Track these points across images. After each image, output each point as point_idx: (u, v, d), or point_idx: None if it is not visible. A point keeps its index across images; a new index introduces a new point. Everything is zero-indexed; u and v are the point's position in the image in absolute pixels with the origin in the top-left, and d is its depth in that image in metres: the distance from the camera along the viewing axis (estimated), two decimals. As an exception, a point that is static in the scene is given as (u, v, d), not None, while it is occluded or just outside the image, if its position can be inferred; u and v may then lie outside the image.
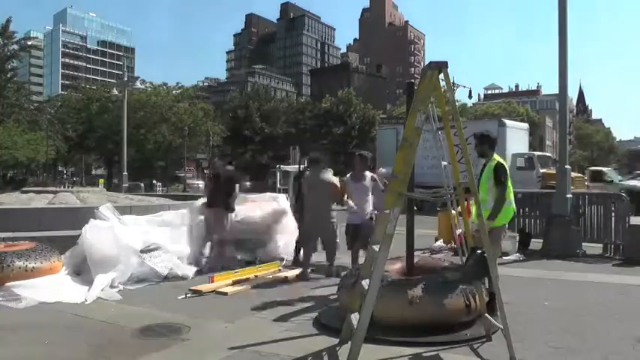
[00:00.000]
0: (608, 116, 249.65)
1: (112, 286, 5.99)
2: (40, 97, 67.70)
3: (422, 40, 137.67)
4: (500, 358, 3.79)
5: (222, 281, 6.41)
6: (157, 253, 6.66)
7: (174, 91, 48.73)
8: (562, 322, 4.76)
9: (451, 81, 4.33)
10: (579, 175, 21.51)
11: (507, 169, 4.98)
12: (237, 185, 8.06)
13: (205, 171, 45.77)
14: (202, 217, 7.69)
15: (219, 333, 4.55)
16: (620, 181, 21.60)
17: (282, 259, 7.86)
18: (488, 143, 5.06)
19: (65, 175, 56.47)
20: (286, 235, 8.11)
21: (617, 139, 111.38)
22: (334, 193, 6.92)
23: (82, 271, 6.37)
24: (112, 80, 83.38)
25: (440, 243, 9.56)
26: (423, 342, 4.11)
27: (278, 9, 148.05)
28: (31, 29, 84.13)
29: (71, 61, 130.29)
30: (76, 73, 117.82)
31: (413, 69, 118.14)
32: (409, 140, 3.88)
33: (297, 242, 7.93)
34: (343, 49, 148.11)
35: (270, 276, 6.92)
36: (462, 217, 4.89)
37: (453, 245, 8.55)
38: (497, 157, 4.98)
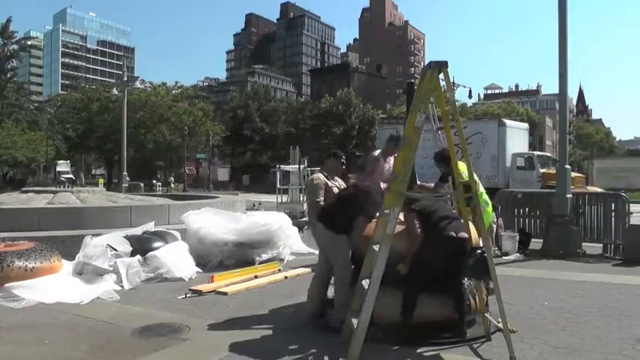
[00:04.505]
0: (608, 116, 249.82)
1: (111, 287, 5.98)
2: (40, 97, 67.70)
3: (422, 40, 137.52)
4: (501, 358, 3.80)
5: (222, 281, 6.41)
6: (157, 253, 6.66)
7: (173, 91, 48.74)
8: (562, 322, 4.76)
9: (451, 81, 4.32)
10: (579, 175, 21.50)
11: None
12: None
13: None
14: None
15: (219, 333, 4.55)
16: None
17: (281, 260, 7.87)
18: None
19: (63, 177, 55.85)
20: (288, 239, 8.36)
21: (617, 139, 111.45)
22: None
23: (83, 271, 6.38)
24: (112, 80, 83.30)
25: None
26: (423, 342, 4.10)
27: (278, 9, 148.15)
28: (31, 29, 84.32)
29: (71, 61, 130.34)
30: (75, 73, 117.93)
31: (413, 69, 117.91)
32: (409, 140, 3.88)
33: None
34: (343, 49, 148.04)
35: (270, 276, 6.92)
36: (462, 217, 4.88)
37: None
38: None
